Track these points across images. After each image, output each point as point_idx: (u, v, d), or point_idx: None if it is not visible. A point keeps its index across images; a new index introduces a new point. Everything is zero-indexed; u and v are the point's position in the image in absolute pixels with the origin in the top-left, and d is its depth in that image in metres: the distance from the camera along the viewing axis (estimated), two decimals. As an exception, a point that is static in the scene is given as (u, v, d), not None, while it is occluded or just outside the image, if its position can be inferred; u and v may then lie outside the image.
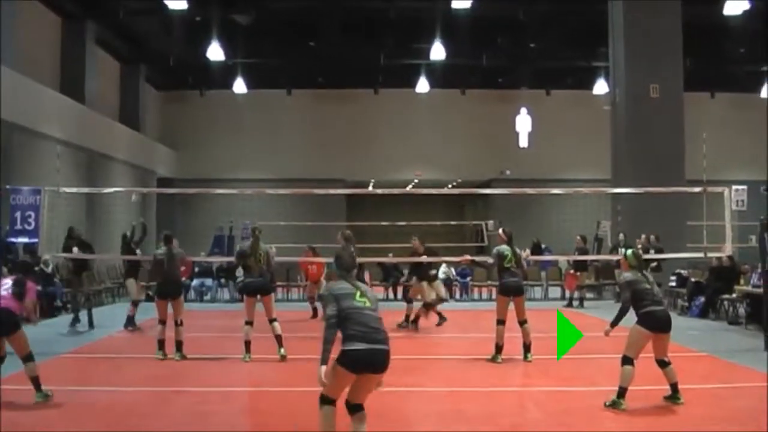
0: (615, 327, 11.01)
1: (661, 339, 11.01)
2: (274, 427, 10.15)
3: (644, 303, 10.89)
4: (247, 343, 14.48)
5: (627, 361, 10.72)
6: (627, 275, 11.21)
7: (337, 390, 8.02)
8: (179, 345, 14.80)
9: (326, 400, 8.02)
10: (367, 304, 8.02)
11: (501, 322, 14.47)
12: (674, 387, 10.98)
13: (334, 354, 7.91)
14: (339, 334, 7.95)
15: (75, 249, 19.55)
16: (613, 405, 10.61)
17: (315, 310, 21.33)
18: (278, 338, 14.62)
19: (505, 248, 14.75)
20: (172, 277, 15.39)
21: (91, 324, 19.47)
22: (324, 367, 7.92)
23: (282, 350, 14.45)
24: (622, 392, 10.62)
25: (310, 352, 12.99)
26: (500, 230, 15.29)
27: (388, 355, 7.95)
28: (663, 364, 11.01)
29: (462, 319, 20.84)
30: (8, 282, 11.03)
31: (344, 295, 8.03)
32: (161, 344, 14.63)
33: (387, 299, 27.29)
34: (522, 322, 14.47)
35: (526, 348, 14.51)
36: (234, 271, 27.50)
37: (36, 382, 10.80)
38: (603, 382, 11.61)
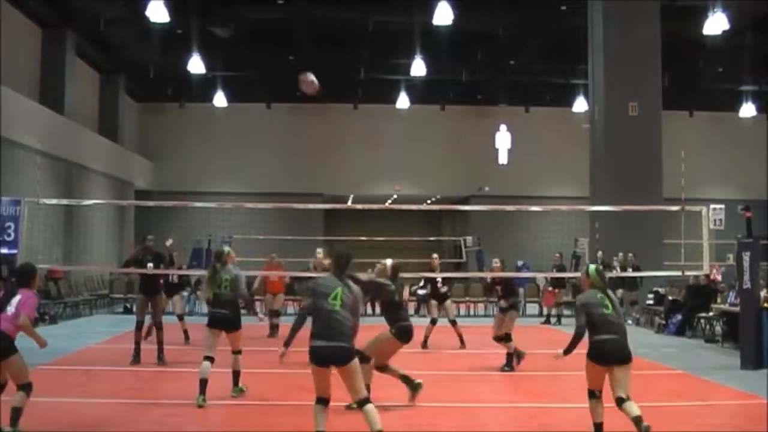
0: (568, 354, 9.76)
1: (616, 372, 9.49)
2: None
3: (596, 330, 9.50)
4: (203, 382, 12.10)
5: (590, 395, 9.65)
6: (583, 297, 9.87)
7: (319, 387, 9.02)
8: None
9: (317, 400, 9.04)
10: (337, 307, 8.99)
11: None
12: (637, 420, 9.28)
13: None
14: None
15: (150, 264, 16.75)
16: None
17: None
18: (236, 374, 12.72)
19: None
20: None
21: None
22: (285, 349, 9.59)
23: (238, 387, 12.71)
24: (597, 428, 9.63)
25: (284, 367, 12.99)
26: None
27: (346, 350, 8.97)
28: (620, 401, 9.38)
29: (438, 336, 20.78)
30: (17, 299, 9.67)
31: (320, 294, 9.07)
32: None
33: (365, 314, 27.25)
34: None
35: None
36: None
37: (15, 414, 9.39)
38: (577, 398, 11.62)
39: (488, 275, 19.31)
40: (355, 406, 9.51)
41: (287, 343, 9.34)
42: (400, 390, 13.55)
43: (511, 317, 16.04)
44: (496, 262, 18.54)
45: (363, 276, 9.83)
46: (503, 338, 15.76)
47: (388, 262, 12.22)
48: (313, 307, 9.18)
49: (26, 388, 9.53)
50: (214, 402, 12.15)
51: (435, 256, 20.48)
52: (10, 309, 9.57)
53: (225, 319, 12.40)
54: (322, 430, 9.02)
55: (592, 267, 10.15)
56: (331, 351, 8.93)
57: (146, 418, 11.02)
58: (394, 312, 11.86)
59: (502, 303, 16.45)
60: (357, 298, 9.39)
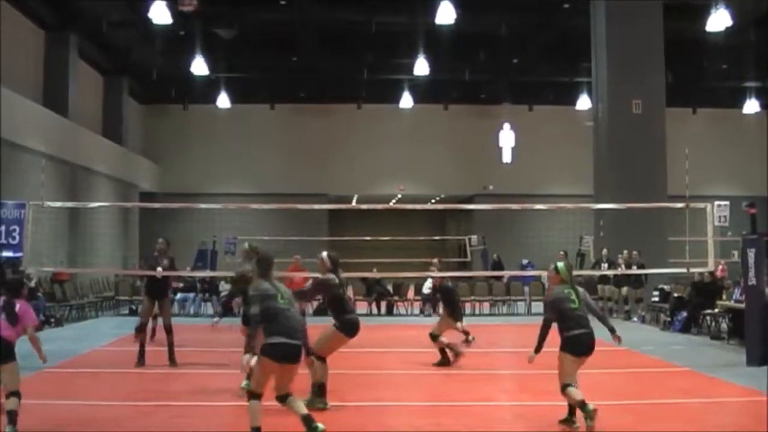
0: (539, 352, 10.50)
1: (581, 362, 10.48)
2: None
3: (569, 325, 10.34)
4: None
5: (566, 387, 10.33)
6: (553, 294, 10.67)
7: (262, 383, 9.40)
8: None
9: (253, 396, 9.38)
10: (286, 304, 9.50)
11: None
12: (572, 409, 10.42)
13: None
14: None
15: (159, 269, 16.53)
16: (566, 422, 10.51)
17: None
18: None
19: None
20: None
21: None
22: (248, 356, 9.60)
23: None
24: (572, 411, 10.41)
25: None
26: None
27: (301, 349, 9.57)
28: (566, 387, 10.35)
29: (445, 334, 20.82)
30: None
31: (269, 296, 9.47)
32: None
33: (370, 314, 27.31)
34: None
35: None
36: (217, 286, 27.48)
37: (13, 416, 9.64)
38: (586, 397, 11.64)
39: (435, 274, 19.28)
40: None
41: (252, 351, 9.59)
42: (404, 390, 13.58)
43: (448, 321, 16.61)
44: (432, 268, 18.72)
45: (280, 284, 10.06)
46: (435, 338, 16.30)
47: (324, 254, 12.20)
48: (264, 311, 9.42)
49: (17, 395, 9.73)
50: (221, 402, 12.18)
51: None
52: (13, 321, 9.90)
53: None
54: (260, 425, 9.35)
55: (561, 264, 10.84)
56: (295, 349, 9.43)
57: (153, 420, 11.03)
58: (338, 306, 11.91)
59: (443, 311, 17.15)
60: (293, 296, 9.93)
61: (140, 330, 16.09)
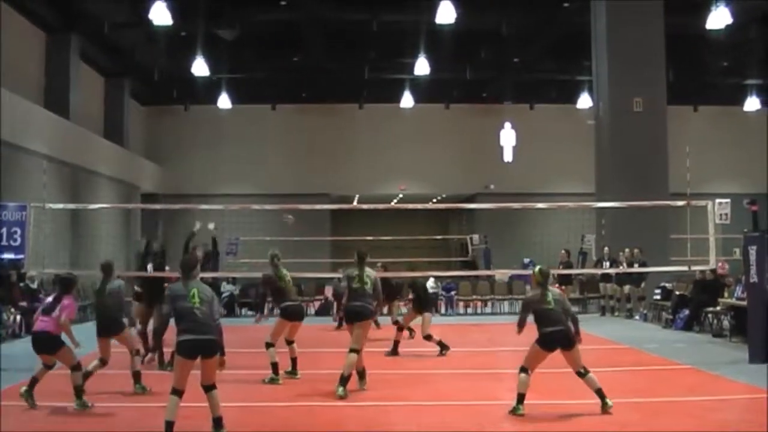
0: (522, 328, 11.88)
1: (569, 354, 11.51)
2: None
3: (543, 323, 11.48)
4: (275, 365, 14.14)
5: (523, 370, 11.47)
6: (528, 296, 12.15)
7: (181, 379, 9.93)
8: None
9: (174, 391, 9.90)
10: (197, 304, 9.96)
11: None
12: (599, 393, 11.38)
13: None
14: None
15: (149, 267, 16.88)
16: (513, 411, 11.30)
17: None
18: (294, 360, 14.57)
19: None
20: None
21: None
22: (153, 354, 10.97)
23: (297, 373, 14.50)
24: (520, 398, 11.35)
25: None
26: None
27: (214, 342, 9.98)
28: (581, 374, 11.53)
29: (448, 334, 20.78)
30: (49, 300, 12.01)
31: (179, 297, 10.05)
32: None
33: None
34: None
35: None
36: (219, 287, 27.43)
37: (78, 390, 11.65)
38: (587, 394, 11.64)
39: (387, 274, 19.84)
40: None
41: (154, 349, 11.03)
42: (409, 389, 13.60)
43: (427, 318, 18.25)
44: (379, 267, 19.15)
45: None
46: (429, 337, 17.89)
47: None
48: (174, 310, 10.12)
49: (77, 368, 11.87)
50: (227, 404, 12.19)
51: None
52: (56, 312, 11.78)
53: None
54: (173, 420, 9.83)
55: (537, 268, 12.05)
56: (201, 343, 9.90)
57: (159, 421, 11.01)
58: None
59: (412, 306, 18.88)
60: (212, 295, 10.34)
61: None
